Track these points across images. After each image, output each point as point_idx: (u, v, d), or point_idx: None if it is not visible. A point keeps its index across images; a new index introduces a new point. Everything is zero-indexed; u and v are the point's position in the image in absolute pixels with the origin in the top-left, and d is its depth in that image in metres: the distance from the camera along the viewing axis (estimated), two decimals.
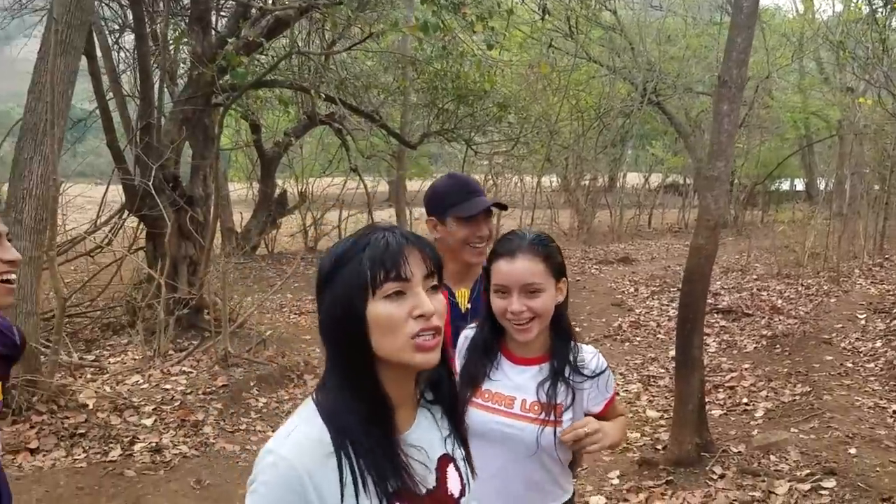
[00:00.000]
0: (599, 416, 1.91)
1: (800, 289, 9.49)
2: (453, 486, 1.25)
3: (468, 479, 1.30)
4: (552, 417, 1.78)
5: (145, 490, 4.22)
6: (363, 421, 1.15)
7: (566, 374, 1.83)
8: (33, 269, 5.02)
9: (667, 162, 24.03)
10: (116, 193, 8.06)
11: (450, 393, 1.33)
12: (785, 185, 27.37)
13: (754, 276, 10.92)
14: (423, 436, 1.26)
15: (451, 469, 1.27)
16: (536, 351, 1.87)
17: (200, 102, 7.66)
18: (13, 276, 1.52)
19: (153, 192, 6.70)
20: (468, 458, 1.33)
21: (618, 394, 2.28)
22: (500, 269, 1.78)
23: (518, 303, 1.75)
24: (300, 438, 1.15)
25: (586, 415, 1.91)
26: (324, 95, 9.34)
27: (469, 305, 2.24)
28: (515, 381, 1.84)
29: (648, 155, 25.93)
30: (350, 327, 1.16)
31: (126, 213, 7.88)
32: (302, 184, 15.49)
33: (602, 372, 1.87)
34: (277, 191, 13.06)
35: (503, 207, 2.40)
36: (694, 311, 4.34)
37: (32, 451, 4.45)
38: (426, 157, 24.86)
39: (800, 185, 28.19)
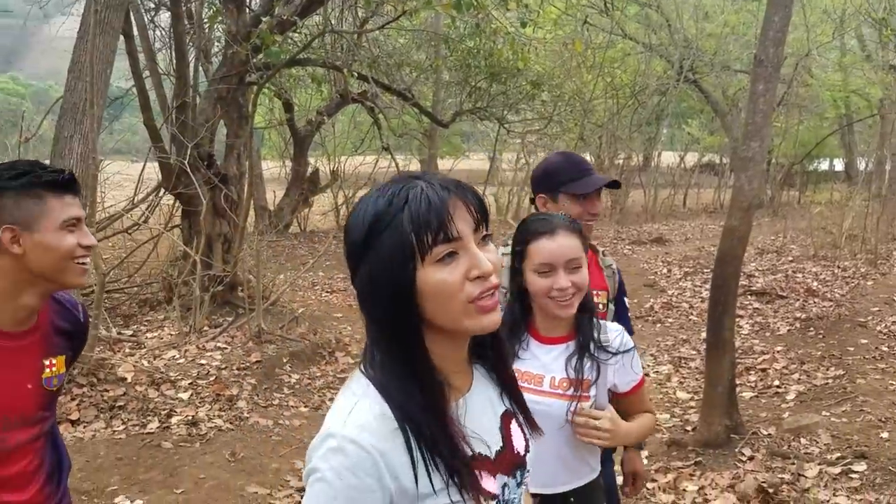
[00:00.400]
0: (626, 397, 1.95)
1: (836, 271, 9.33)
2: (518, 443, 1.19)
3: (530, 435, 1.23)
4: (580, 393, 1.83)
5: (182, 462, 4.33)
6: (416, 395, 1.05)
7: (591, 350, 1.86)
8: None
9: (703, 141, 23.70)
10: (153, 171, 8.19)
11: (495, 347, 1.21)
12: (824, 166, 26.82)
13: (790, 258, 10.76)
14: (483, 394, 1.18)
15: (514, 425, 1.20)
16: (563, 330, 1.90)
17: (234, 81, 7.72)
18: (88, 259, 1.60)
19: (188, 170, 6.79)
20: (526, 414, 1.23)
21: (647, 375, 2.28)
22: (543, 248, 1.80)
23: (564, 279, 1.78)
24: (363, 417, 1.04)
25: (614, 394, 1.94)
26: (356, 74, 9.38)
27: None
28: (543, 360, 1.87)
29: (684, 134, 25.59)
30: (397, 299, 1.03)
31: (162, 190, 8.01)
32: (334, 162, 15.58)
33: (627, 350, 1.90)
34: (310, 169, 13.15)
35: (617, 185, 2.39)
36: (726, 292, 4.30)
37: (73, 423, 4.59)
38: (458, 136, 24.85)
39: (839, 165, 27.62)
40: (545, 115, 14.74)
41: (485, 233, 1.07)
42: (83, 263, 1.62)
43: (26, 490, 1.61)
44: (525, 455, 1.19)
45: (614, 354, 1.88)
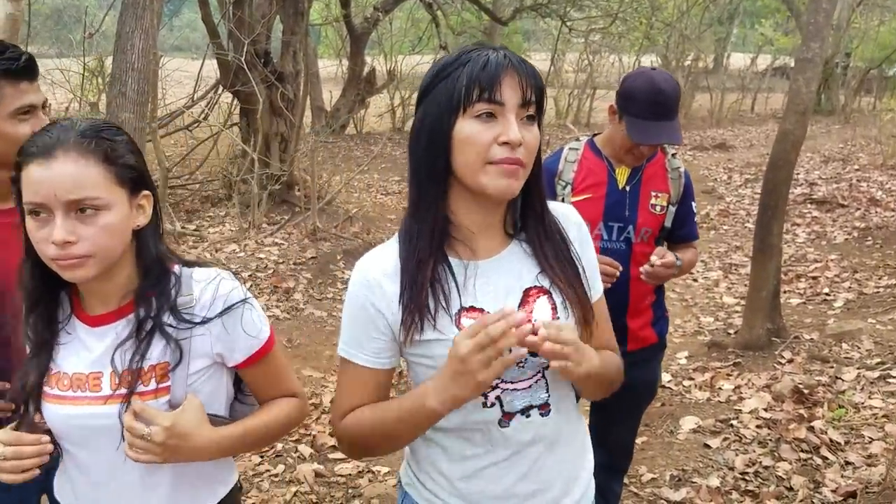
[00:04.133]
0: (244, 369, 1.35)
1: None
2: (541, 313, 1.22)
3: (567, 317, 1.24)
4: (137, 388, 1.23)
5: None
6: (419, 236, 1.20)
7: (164, 322, 1.25)
8: (138, 140, 5.35)
9: (776, 42, 22.50)
10: (211, 68, 8.30)
11: (533, 226, 1.27)
12: None
13: (856, 167, 10.39)
14: (509, 266, 1.25)
15: (541, 300, 1.24)
16: (114, 300, 1.27)
17: None
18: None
19: (245, 67, 6.88)
20: (567, 295, 1.24)
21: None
22: (31, 179, 1.15)
23: (62, 229, 1.14)
24: (376, 253, 1.25)
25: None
26: None
27: (627, 187, 2.21)
28: (97, 352, 1.25)
29: (757, 34, 24.31)
30: (435, 140, 1.16)
31: (220, 88, 8.14)
32: (391, 62, 15.41)
33: (230, 307, 1.28)
34: (366, 69, 13.08)
35: (675, 142, 2.14)
36: (776, 197, 4.25)
37: None
38: (519, 35, 24.16)
39: None
40: (610, 13, 14.16)
41: (531, 113, 1.15)
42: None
43: None
44: None
45: (201, 322, 1.26)
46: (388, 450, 1.33)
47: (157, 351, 1.25)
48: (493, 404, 1.23)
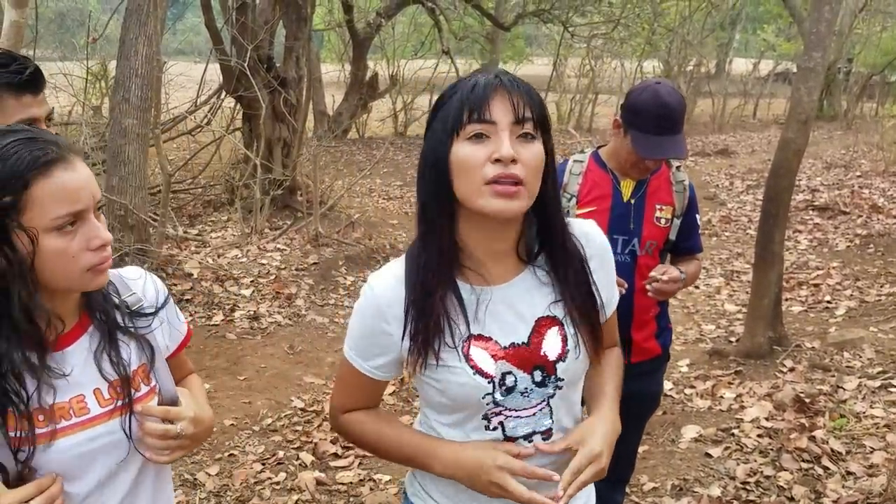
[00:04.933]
0: (172, 359, 1.35)
1: None
2: (550, 347, 1.23)
3: (577, 350, 1.24)
4: (138, 392, 1.22)
5: (244, 352, 4.64)
6: (426, 263, 1.20)
7: (124, 325, 1.23)
8: (140, 145, 5.37)
9: (779, 48, 22.51)
10: (214, 73, 8.32)
11: (559, 258, 1.25)
12: None
13: (857, 173, 10.40)
14: (521, 294, 1.24)
15: (553, 331, 1.23)
16: (72, 315, 1.19)
17: None
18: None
19: (248, 73, 6.90)
20: (581, 329, 1.24)
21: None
22: (62, 187, 1.06)
23: (103, 229, 1.12)
24: (386, 274, 1.27)
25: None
26: None
27: (632, 199, 2.22)
28: (75, 374, 1.16)
29: (759, 40, 24.33)
30: (436, 168, 1.17)
31: (223, 93, 8.16)
32: (393, 66, 15.42)
33: (167, 299, 1.32)
34: (369, 73, 13.10)
35: (680, 156, 2.13)
36: (777, 205, 4.26)
37: None
38: (522, 40, 24.18)
39: None
40: (612, 19, 14.18)
41: (527, 130, 1.14)
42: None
43: None
44: (555, 362, 1.23)
45: (155, 313, 1.28)
46: (375, 455, 1.45)
47: (132, 355, 1.23)
48: (495, 428, 1.24)
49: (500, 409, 1.22)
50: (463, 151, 1.13)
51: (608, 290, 1.34)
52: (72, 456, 1.15)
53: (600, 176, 2.23)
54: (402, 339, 1.23)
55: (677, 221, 2.27)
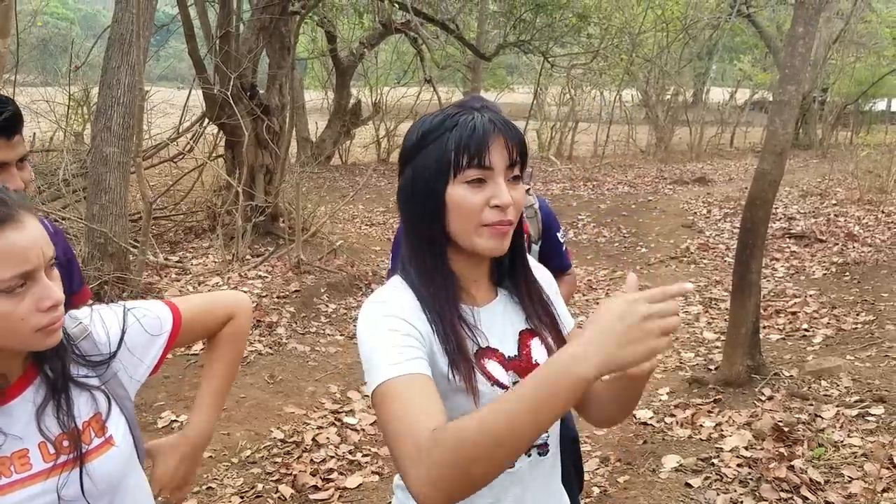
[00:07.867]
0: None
1: (880, 216, 9.16)
2: (538, 355, 1.28)
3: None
4: (78, 452, 1.15)
5: None
6: (437, 291, 1.21)
7: (74, 377, 1.18)
8: (121, 173, 5.36)
9: (755, 77, 22.93)
10: (197, 99, 8.34)
11: (516, 276, 1.33)
12: (881, 106, 25.74)
13: (833, 202, 10.57)
14: (502, 312, 1.30)
15: (535, 341, 1.30)
16: (17, 368, 1.15)
17: (277, 10, 7.76)
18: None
19: (231, 100, 6.92)
20: (553, 333, 1.31)
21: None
22: (9, 247, 1.02)
23: (55, 289, 1.08)
24: (388, 289, 1.23)
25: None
26: (398, 3, 9.30)
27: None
28: (14, 429, 1.12)
29: (736, 69, 24.77)
30: (428, 206, 1.18)
31: (206, 120, 8.18)
32: (376, 94, 15.55)
33: (124, 324, 1.27)
34: (352, 101, 13.18)
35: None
36: (754, 235, 4.32)
37: None
38: (503, 69, 24.46)
39: None
40: (591, 49, 14.41)
41: (517, 174, 1.19)
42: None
43: None
44: None
45: (111, 357, 1.23)
46: (491, 465, 0.95)
47: (84, 406, 1.16)
48: None
49: None
50: (460, 194, 1.16)
51: (561, 308, 1.42)
52: None
53: None
54: (431, 336, 1.19)
55: (536, 247, 2.29)
